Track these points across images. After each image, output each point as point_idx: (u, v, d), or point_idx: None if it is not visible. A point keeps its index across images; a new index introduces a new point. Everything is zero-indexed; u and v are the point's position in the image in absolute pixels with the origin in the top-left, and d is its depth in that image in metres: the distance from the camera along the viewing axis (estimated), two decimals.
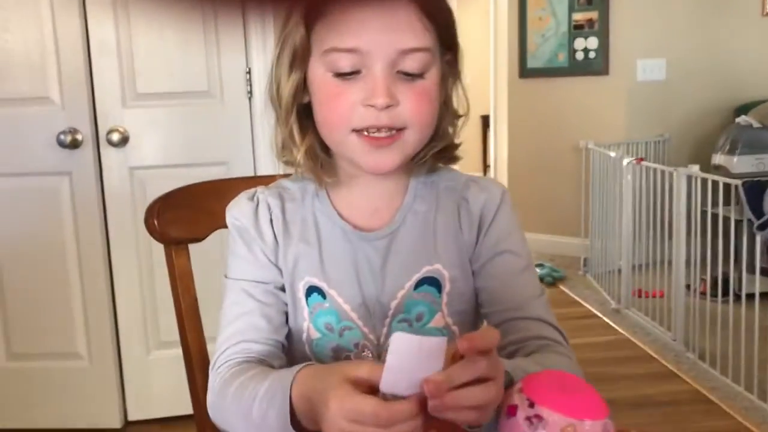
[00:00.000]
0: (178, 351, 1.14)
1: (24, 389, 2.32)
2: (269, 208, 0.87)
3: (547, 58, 4.38)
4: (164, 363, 2.29)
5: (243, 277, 0.86)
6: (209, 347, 1.03)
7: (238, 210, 0.88)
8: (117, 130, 2.20)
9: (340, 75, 0.75)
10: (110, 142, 2.21)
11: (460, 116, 0.86)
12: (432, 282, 0.84)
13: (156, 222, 1.14)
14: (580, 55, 4.27)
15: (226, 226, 1.19)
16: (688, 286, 2.97)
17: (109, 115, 2.21)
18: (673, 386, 2.62)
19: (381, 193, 0.86)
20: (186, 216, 1.17)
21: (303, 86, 0.80)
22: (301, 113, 0.82)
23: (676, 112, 4.22)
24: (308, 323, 0.86)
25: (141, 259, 2.28)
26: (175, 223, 1.16)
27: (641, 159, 3.42)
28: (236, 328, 0.84)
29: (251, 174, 2.32)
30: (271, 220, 0.86)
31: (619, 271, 3.49)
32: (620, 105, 4.20)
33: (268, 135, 2.41)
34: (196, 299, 1.17)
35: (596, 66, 4.22)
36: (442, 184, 0.88)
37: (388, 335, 0.84)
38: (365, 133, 0.76)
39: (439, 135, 0.83)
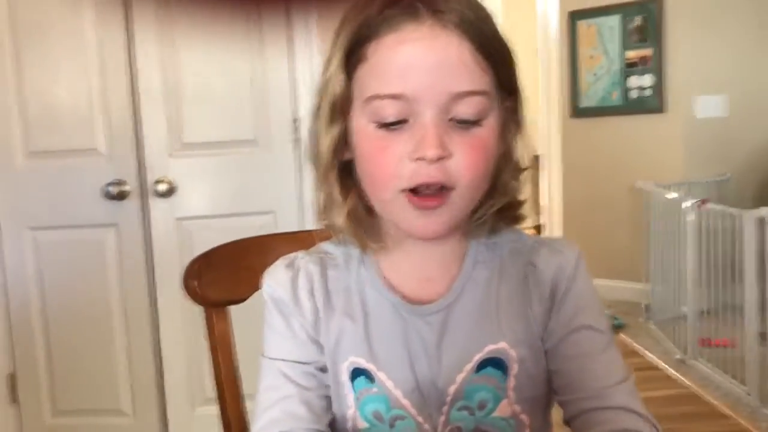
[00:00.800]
0: None
1: None
2: (309, 277, 0.77)
3: (600, 96, 4.26)
4: (209, 419, 2.21)
5: (280, 357, 0.76)
6: (249, 406, 0.95)
7: (274, 279, 0.79)
8: (163, 181, 2.18)
9: (385, 125, 0.66)
10: (157, 193, 2.18)
11: (523, 169, 0.75)
12: (496, 363, 0.73)
13: (196, 284, 1.08)
14: (634, 93, 4.14)
15: None
16: (762, 334, 2.77)
17: (155, 166, 2.19)
18: None
19: (435, 259, 0.75)
20: (226, 276, 1.10)
21: (344, 141, 0.70)
22: (342, 171, 0.72)
23: (738, 151, 4.04)
24: (354, 411, 0.75)
25: (187, 312, 2.23)
26: (215, 284, 1.09)
27: (705, 201, 3.26)
28: (272, 416, 0.73)
29: (297, 222, 2.27)
30: (312, 291, 0.76)
31: (684, 317, 3.30)
32: (678, 144, 4.05)
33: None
34: (236, 367, 1.09)
35: (652, 104, 4.09)
36: (506, 246, 0.77)
37: (446, 425, 0.73)
38: (414, 193, 0.67)
39: (499, 190, 0.73)
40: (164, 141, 2.19)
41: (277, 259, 1.11)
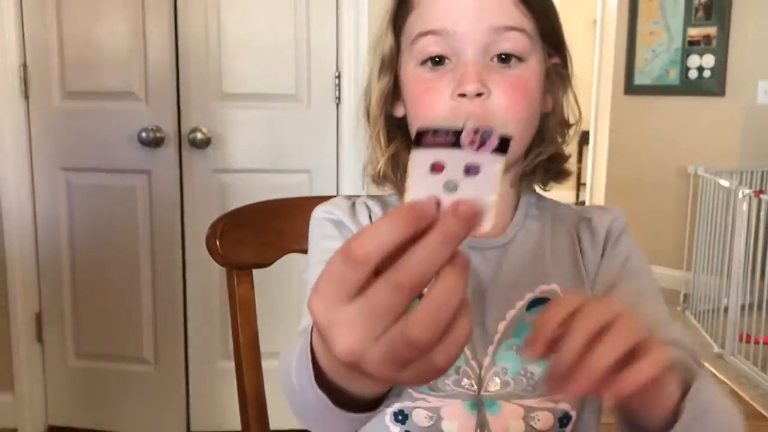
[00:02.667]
0: None
1: (89, 389, 2.27)
2: (368, 209, 0.79)
3: (656, 74, 4.08)
4: (231, 374, 2.19)
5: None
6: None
7: (331, 206, 0.80)
8: (200, 130, 2.12)
9: (430, 62, 0.70)
10: (192, 143, 2.13)
11: (570, 125, 0.78)
12: (546, 304, 0.72)
13: (218, 243, 1.02)
14: (693, 74, 3.95)
15: (296, 250, 1.07)
16: None
17: (193, 115, 2.14)
18: None
19: None
20: (252, 238, 1.04)
21: (394, 96, 0.75)
22: (391, 124, 0.77)
23: None
24: None
25: (215, 266, 2.18)
26: (240, 244, 1.03)
27: (761, 191, 3.10)
28: None
29: (333, 183, 2.21)
30: (370, 215, 0.78)
31: (725, 310, 3.18)
32: (735, 129, 3.86)
33: (355, 145, 2.29)
34: (256, 333, 1.04)
35: (711, 86, 3.90)
36: (556, 208, 0.81)
37: (490, 367, 0.71)
38: None
39: (546, 140, 0.76)
40: (203, 90, 2.13)
41: (306, 223, 1.05)
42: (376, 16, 2.15)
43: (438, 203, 0.39)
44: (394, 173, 0.76)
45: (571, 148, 0.80)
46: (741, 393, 2.76)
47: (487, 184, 0.40)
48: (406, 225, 0.36)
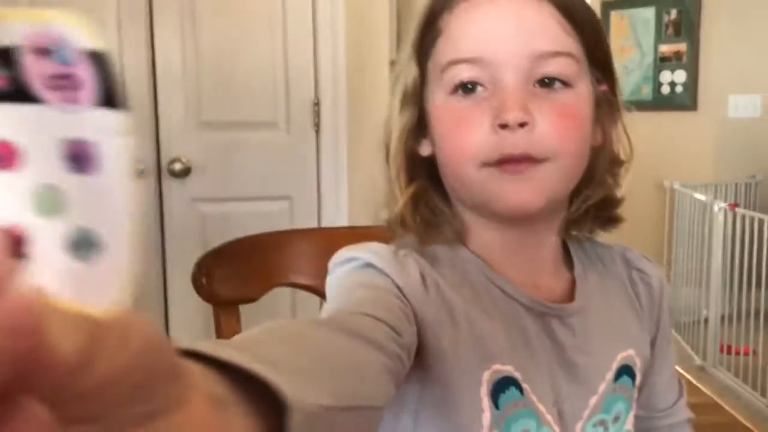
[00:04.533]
0: None
1: None
2: (415, 259, 0.63)
3: (629, 90, 4.14)
4: None
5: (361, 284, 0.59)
6: None
7: (367, 251, 0.61)
8: (179, 160, 2.12)
9: (463, 91, 0.60)
10: (172, 173, 2.12)
11: (622, 162, 0.68)
12: (629, 372, 0.67)
13: (204, 280, 1.02)
14: (666, 89, 4.02)
15: (284, 284, 1.07)
16: None
17: (172, 145, 2.13)
18: None
19: (540, 257, 0.67)
20: (239, 273, 1.04)
21: (417, 131, 0.65)
22: (413, 163, 0.65)
23: None
24: None
25: (198, 296, 2.17)
26: (226, 281, 1.03)
27: (735, 205, 3.15)
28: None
29: (315, 210, 2.21)
30: (423, 274, 0.61)
31: (705, 321, 3.22)
32: (708, 143, 3.93)
33: (334, 170, 2.30)
34: None
35: (684, 101, 3.97)
36: (597, 249, 0.73)
37: None
38: (498, 165, 0.60)
39: (595, 181, 0.66)
40: (182, 119, 2.13)
41: (294, 257, 1.05)
42: (352, 38, 2.17)
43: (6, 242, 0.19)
44: (414, 218, 0.65)
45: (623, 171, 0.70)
46: (723, 404, 2.78)
47: (111, 193, 0.22)
48: None
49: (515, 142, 0.58)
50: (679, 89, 3.99)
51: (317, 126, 2.18)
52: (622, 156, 0.68)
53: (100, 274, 0.21)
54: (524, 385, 0.61)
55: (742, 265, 3.07)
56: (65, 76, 0.21)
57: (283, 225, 2.19)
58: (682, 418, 0.75)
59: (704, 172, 3.88)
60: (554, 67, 0.59)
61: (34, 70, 0.20)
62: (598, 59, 0.64)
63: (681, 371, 3.12)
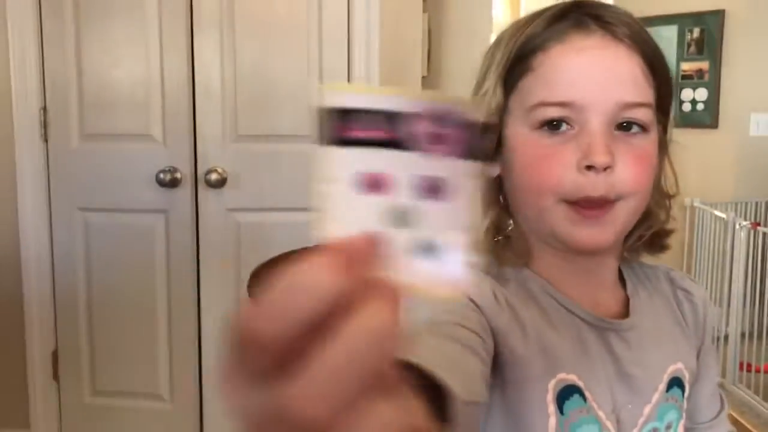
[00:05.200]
0: None
1: (104, 426, 2.29)
2: (487, 278, 0.68)
3: None
4: None
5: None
6: None
7: None
8: (216, 171, 2.18)
9: (549, 128, 0.64)
10: (208, 183, 2.18)
11: (671, 197, 0.74)
12: (679, 383, 0.73)
13: (258, 290, 1.06)
14: (687, 107, 4.05)
15: None
16: None
17: (209, 155, 2.19)
18: None
19: (600, 278, 0.73)
20: None
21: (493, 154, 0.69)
22: (487, 184, 0.69)
23: None
24: None
25: (230, 303, 2.23)
26: None
27: (757, 224, 3.18)
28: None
29: None
30: (494, 291, 0.67)
31: (726, 338, 3.23)
32: (730, 161, 3.95)
33: None
34: None
35: (705, 118, 4.00)
36: (647, 274, 0.78)
37: None
38: (576, 203, 0.64)
39: (650, 216, 0.71)
40: (219, 131, 2.19)
41: None
42: (386, 55, 2.22)
43: (372, 245, 0.26)
44: (495, 242, 0.70)
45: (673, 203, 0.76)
46: (743, 422, 2.80)
47: (459, 215, 0.28)
48: (324, 294, 0.25)
49: (597, 185, 0.62)
50: (700, 107, 4.01)
51: None
52: (671, 190, 0.74)
53: (441, 269, 0.28)
54: (587, 393, 0.66)
55: (763, 284, 3.08)
56: (442, 136, 0.28)
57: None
58: (724, 431, 0.79)
59: (725, 190, 3.90)
60: (636, 116, 0.64)
61: (419, 129, 0.28)
62: (665, 106, 0.69)
63: None
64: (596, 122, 0.63)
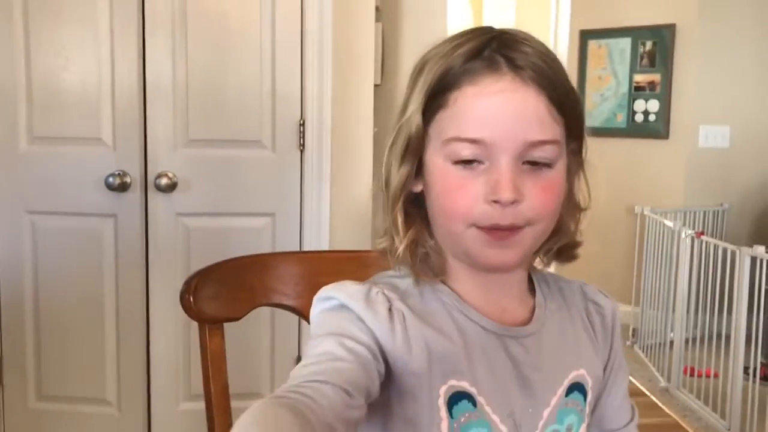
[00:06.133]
0: None
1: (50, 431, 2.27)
2: (386, 296, 0.72)
3: (605, 117, 4.27)
4: (193, 415, 2.23)
5: (333, 332, 0.68)
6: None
7: (343, 292, 0.72)
8: (166, 175, 2.18)
9: (462, 162, 0.69)
10: (158, 187, 2.18)
11: (582, 209, 0.79)
12: (579, 388, 0.78)
13: (192, 299, 1.08)
14: (639, 117, 4.15)
15: (265, 304, 1.14)
16: (746, 369, 2.80)
17: (159, 160, 2.19)
18: None
19: (508, 290, 0.78)
20: (224, 293, 1.11)
21: (414, 175, 0.74)
22: (408, 202, 0.75)
23: (738, 182, 4.06)
24: None
25: (179, 309, 2.22)
26: (213, 300, 1.10)
27: (701, 233, 3.27)
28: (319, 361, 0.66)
29: (297, 227, 2.27)
30: (391, 309, 0.71)
31: (671, 344, 3.32)
32: (679, 171, 4.06)
33: (317, 189, 2.37)
34: (227, 382, 1.10)
35: (656, 129, 4.10)
36: (558, 282, 0.83)
37: None
38: (485, 228, 0.70)
39: (561, 230, 0.77)
40: (170, 135, 2.19)
41: (277, 278, 1.12)
42: (339, 62, 2.25)
43: None
44: (413, 258, 0.74)
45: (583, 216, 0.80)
46: (685, 426, 2.88)
47: None
48: None
49: (505, 215, 0.68)
50: (652, 117, 4.12)
51: (302, 146, 2.25)
52: (583, 204, 0.78)
53: None
54: (479, 399, 0.71)
55: (706, 291, 3.18)
56: None
57: (266, 241, 2.26)
58: None
59: (674, 199, 4.01)
60: (542, 153, 0.69)
61: None
62: (575, 131, 0.73)
63: (645, 392, 3.22)
64: (504, 160, 0.68)
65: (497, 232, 0.69)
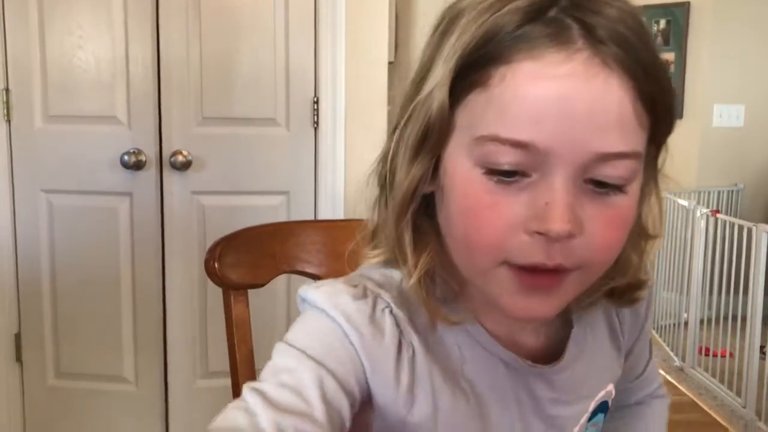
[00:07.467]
0: (225, 381, 1.08)
1: (68, 409, 2.29)
2: (395, 321, 0.56)
3: None
4: (210, 393, 2.24)
5: (319, 359, 0.53)
6: None
7: (338, 312, 0.55)
8: (181, 153, 2.17)
9: (498, 173, 0.49)
10: (173, 165, 2.18)
11: (651, 237, 0.59)
12: (603, 407, 0.68)
13: (216, 265, 1.08)
14: None
15: (287, 271, 1.14)
16: (762, 348, 2.78)
17: (174, 138, 2.19)
18: None
19: (540, 328, 0.63)
20: (248, 260, 1.10)
21: (429, 176, 0.54)
22: (418, 211, 0.55)
23: (753, 161, 4.03)
24: None
25: (195, 285, 2.24)
26: (236, 267, 1.09)
27: (717, 211, 3.25)
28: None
29: (311, 205, 2.27)
30: (400, 342, 0.55)
31: (686, 324, 3.31)
32: (693, 150, 4.03)
33: (331, 167, 2.36)
34: (252, 350, 1.10)
35: None
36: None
37: None
38: (522, 269, 0.51)
39: (621, 266, 0.57)
40: (184, 113, 2.19)
41: (300, 246, 1.12)
42: (352, 40, 2.23)
43: None
44: (429, 295, 0.55)
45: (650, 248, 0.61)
46: (700, 404, 2.87)
47: None
48: None
49: (552, 253, 0.49)
50: None
51: (316, 123, 2.24)
52: (652, 230, 0.59)
53: None
54: None
55: (721, 271, 3.16)
56: None
57: (281, 219, 2.25)
58: (653, 389, 0.81)
59: (688, 179, 3.98)
60: (614, 171, 0.49)
61: None
62: (660, 137, 0.54)
63: (661, 371, 3.21)
64: (560, 176, 0.48)
65: (537, 276, 0.50)
